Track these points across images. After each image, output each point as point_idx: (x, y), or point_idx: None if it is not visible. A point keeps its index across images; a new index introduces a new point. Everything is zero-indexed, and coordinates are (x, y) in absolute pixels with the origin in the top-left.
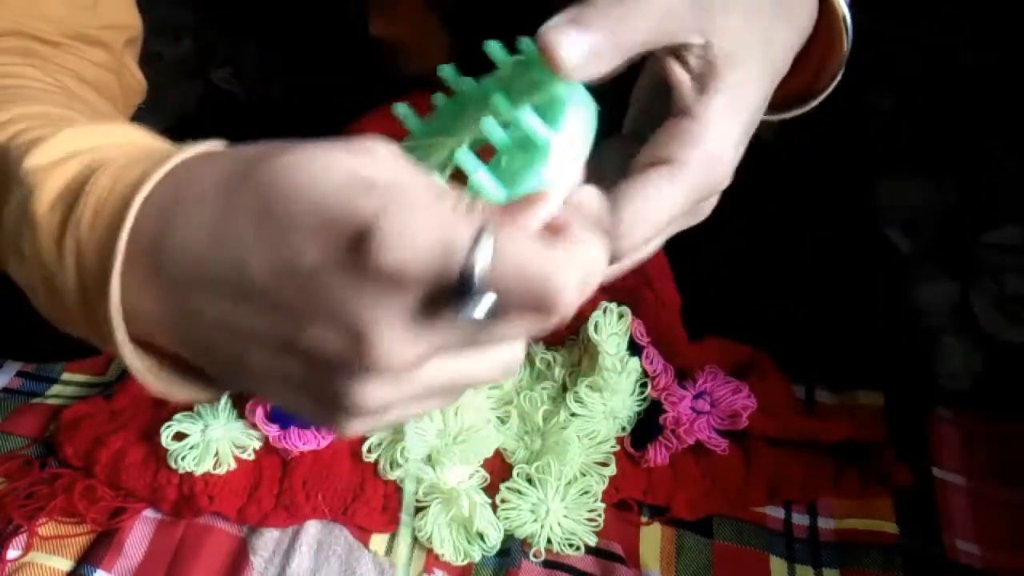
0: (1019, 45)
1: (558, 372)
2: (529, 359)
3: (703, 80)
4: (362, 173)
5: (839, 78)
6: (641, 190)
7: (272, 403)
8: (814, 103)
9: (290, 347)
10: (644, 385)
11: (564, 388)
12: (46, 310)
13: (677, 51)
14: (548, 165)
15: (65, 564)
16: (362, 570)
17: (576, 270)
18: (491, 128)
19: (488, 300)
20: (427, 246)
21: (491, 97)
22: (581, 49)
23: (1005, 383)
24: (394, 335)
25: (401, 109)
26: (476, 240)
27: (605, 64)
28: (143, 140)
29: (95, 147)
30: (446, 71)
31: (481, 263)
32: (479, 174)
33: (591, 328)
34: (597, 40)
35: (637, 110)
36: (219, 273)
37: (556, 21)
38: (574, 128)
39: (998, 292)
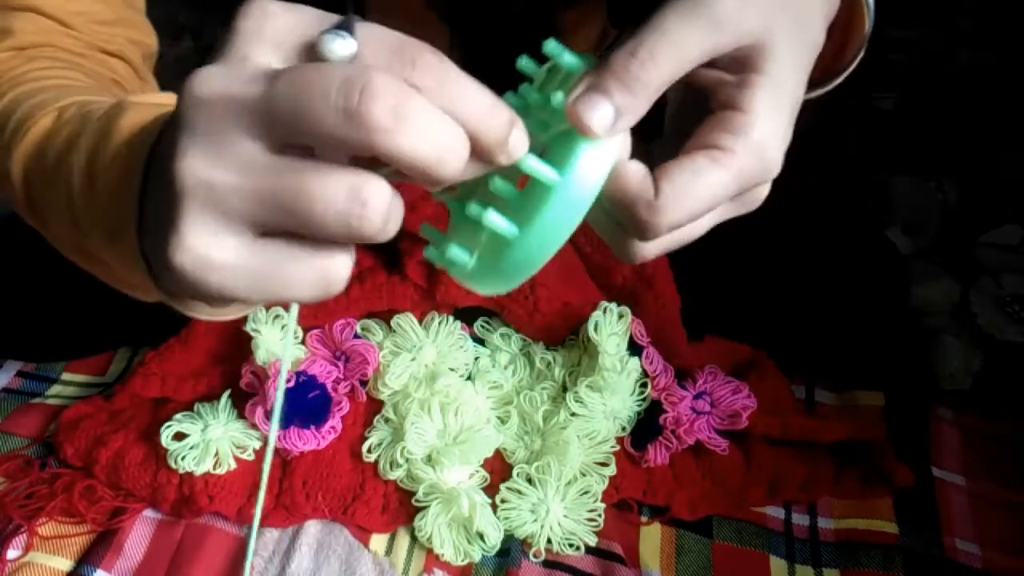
0: (1018, 46)
1: (558, 372)
2: (529, 359)
3: (742, 74)
4: None
5: (862, 55)
6: (683, 168)
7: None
8: (831, 86)
9: None
10: (644, 385)
11: (564, 388)
12: (81, 201)
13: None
14: (554, 205)
15: (65, 564)
16: (362, 570)
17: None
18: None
19: (351, 43)
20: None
21: (526, 116)
22: (607, 116)
23: (1005, 383)
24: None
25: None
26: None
27: (635, 116)
28: None
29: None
30: (522, 63)
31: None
32: (491, 216)
33: (591, 328)
34: (623, 102)
35: (674, 107)
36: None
37: (578, 91)
38: (588, 167)
39: (998, 292)
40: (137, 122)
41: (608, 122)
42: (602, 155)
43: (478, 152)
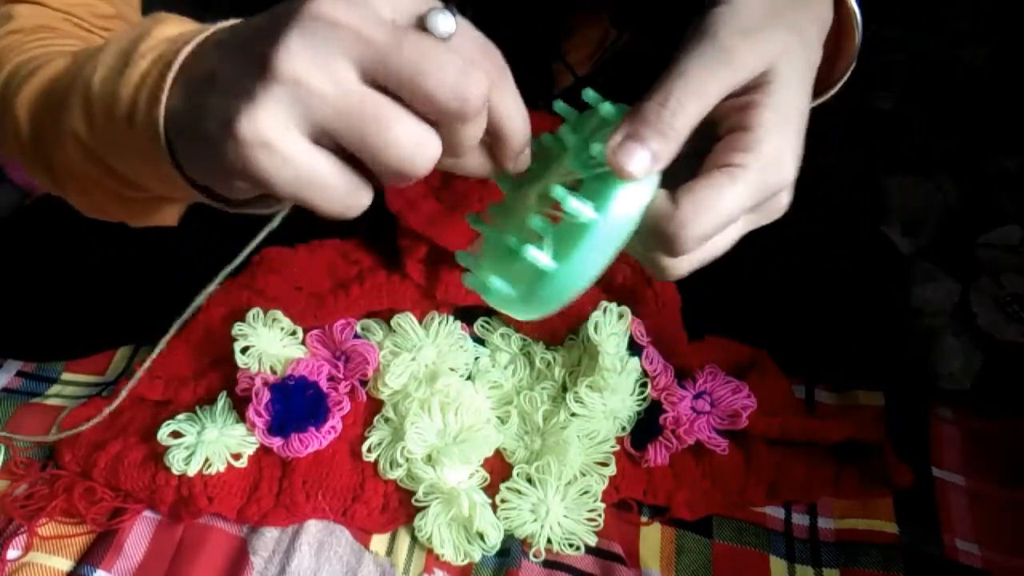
0: (1017, 45)
1: (558, 372)
2: (529, 359)
3: (748, 97)
4: None
5: (850, 72)
6: (702, 185)
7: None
8: (828, 95)
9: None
10: (644, 385)
11: (564, 388)
12: (102, 125)
13: None
14: (592, 240)
15: (65, 564)
16: (363, 570)
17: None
18: (561, 195)
19: (452, 23)
20: None
21: (562, 160)
22: (644, 161)
23: (1005, 383)
24: None
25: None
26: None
27: (668, 158)
28: None
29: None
30: (559, 106)
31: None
32: (531, 251)
33: (591, 328)
34: (657, 148)
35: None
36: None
37: (617, 140)
38: (625, 204)
39: (998, 292)
40: (173, 31)
41: (647, 166)
42: (639, 193)
43: (497, 150)
